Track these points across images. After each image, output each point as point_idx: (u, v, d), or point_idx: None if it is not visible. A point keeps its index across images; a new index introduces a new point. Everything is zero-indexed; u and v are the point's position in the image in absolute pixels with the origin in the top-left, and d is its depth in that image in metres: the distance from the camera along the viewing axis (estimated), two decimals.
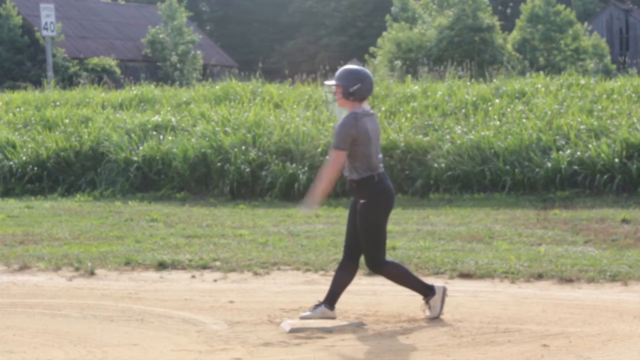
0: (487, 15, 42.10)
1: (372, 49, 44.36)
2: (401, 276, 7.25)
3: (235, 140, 17.27)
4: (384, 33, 43.72)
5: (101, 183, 17.74)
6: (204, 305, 7.92)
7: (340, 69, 7.21)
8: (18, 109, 21.84)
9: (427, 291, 7.24)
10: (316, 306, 7.22)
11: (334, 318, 7.20)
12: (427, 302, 7.24)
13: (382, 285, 8.76)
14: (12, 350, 6.40)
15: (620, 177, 15.20)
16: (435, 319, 7.19)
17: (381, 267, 7.16)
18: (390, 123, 17.53)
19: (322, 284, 8.62)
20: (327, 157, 7.26)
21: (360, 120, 6.99)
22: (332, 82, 7.15)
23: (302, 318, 7.16)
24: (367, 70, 7.22)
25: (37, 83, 30.02)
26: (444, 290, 7.28)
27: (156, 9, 49.11)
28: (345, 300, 7.58)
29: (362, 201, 7.04)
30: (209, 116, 19.00)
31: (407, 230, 11.90)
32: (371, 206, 7.02)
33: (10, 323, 7.28)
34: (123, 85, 25.30)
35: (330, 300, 7.22)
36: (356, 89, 7.02)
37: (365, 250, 7.12)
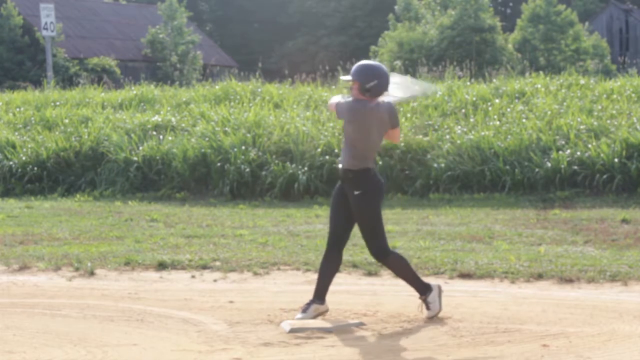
0: (488, 16, 42.12)
1: (373, 47, 44.34)
2: (404, 269, 7.25)
3: (235, 140, 17.26)
4: (386, 32, 43.72)
5: (101, 183, 17.73)
6: (204, 305, 7.91)
7: (357, 65, 7.13)
8: (18, 109, 21.83)
9: (425, 289, 7.25)
10: (307, 305, 7.20)
11: (327, 311, 7.19)
12: (424, 301, 7.24)
13: (382, 285, 8.77)
14: (12, 350, 6.40)
15: (620, 177, 15.19)
16: (435, 317, 7.18)
17: (386, 255, 7.16)
18: None
19: None
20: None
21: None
22: (349, 77, 7.09)
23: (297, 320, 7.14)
24: (384, 66, 7.18)
25: (37, 83, 30.00)
26: (439, 287, 7.32)
27: (156, 9, 49.15)
28: (345, 300, 7.58)
29: (356, 192, 7.02)
30: (209, 116, 18.98)
31: (407, 230, 11.89)
32: (368, 197, 7.02)
33: (10, 323, 7.28)
34: (123, 85, 25.27)
35: (320, 294, 7.20)
36: (373, 86, 6.98)
37: (369, 240, 7.12)
